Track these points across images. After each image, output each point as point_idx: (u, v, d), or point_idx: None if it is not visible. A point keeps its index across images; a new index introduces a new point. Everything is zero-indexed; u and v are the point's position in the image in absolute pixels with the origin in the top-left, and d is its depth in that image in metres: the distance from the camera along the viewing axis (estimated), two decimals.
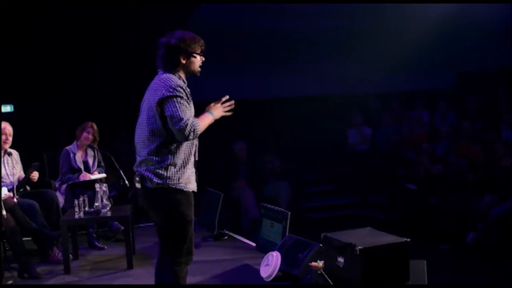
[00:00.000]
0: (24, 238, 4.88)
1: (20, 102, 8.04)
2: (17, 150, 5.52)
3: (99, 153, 6.01)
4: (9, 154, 5.39)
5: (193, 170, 3.32)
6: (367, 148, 9.22)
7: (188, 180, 3.26)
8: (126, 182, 5.68)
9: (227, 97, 3.43)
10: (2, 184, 5.06)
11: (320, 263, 4.01)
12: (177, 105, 3.10)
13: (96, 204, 5.06)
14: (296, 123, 9.35)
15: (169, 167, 3.18)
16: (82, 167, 5.81)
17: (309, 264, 4.11)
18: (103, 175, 5.88)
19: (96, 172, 5.88)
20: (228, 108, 3.41)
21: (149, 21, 8.62)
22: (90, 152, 5.92)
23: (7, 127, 5.30)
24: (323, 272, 3.94)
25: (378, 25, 9.25)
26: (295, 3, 8.89)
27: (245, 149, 8.08)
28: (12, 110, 8.08)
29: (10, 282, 4.61)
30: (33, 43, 7.78)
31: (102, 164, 6.03)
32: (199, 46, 3.32)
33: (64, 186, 5.74)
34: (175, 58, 3.26)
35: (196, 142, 3.35)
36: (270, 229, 5.23)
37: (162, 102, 3.13)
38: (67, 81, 8.25)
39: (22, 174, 5.47)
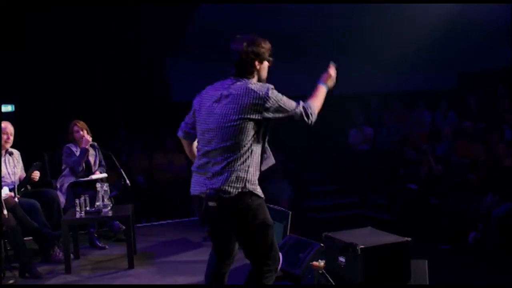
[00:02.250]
0: (25, 238, 4.88)
1: (21, 102, 8.04)
2: (17, 150, 5.52)
3: (100, 152, 6.01)
4: (10, 153, 5.38)
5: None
6: (368, 148, 9.20)
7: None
8: (127, 181, 5.69)
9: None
10: (3, 183, 5.06)
11: (321, 263, 4.01)
12: (281, 100, 3.24)
13: (97, 203, 5.06)
14: (296, 123, 9.31)
15: (249, 169, 3.16)
16: (83, 165, 5.81)
17: (311, 263, 4.11)
18: (104, 174, 5.88)
19: (97, 172, 5.88)
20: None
21: (149, 21, 8.61)
22: (91, 151, 5.92)
23: (8, 127, 5.30)
24: (324, 272, 3.94)
25: (378, 25, 9.22)
26: (295, 3, 8.87)
27: None
28: (13, 109, 8.09)
29: (11, 281, 4.61)
30: (33, 43, 7.78)
31: (103, 163, 6.03)
32: (269, 51, 3.33)
33: (65, 185, 5.74)
34: (251, 64, 3.24)
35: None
36: None
37: (262, 105, 3.14)
38: (67, 81, 8.25)
39: (23, 174, 5.47)
